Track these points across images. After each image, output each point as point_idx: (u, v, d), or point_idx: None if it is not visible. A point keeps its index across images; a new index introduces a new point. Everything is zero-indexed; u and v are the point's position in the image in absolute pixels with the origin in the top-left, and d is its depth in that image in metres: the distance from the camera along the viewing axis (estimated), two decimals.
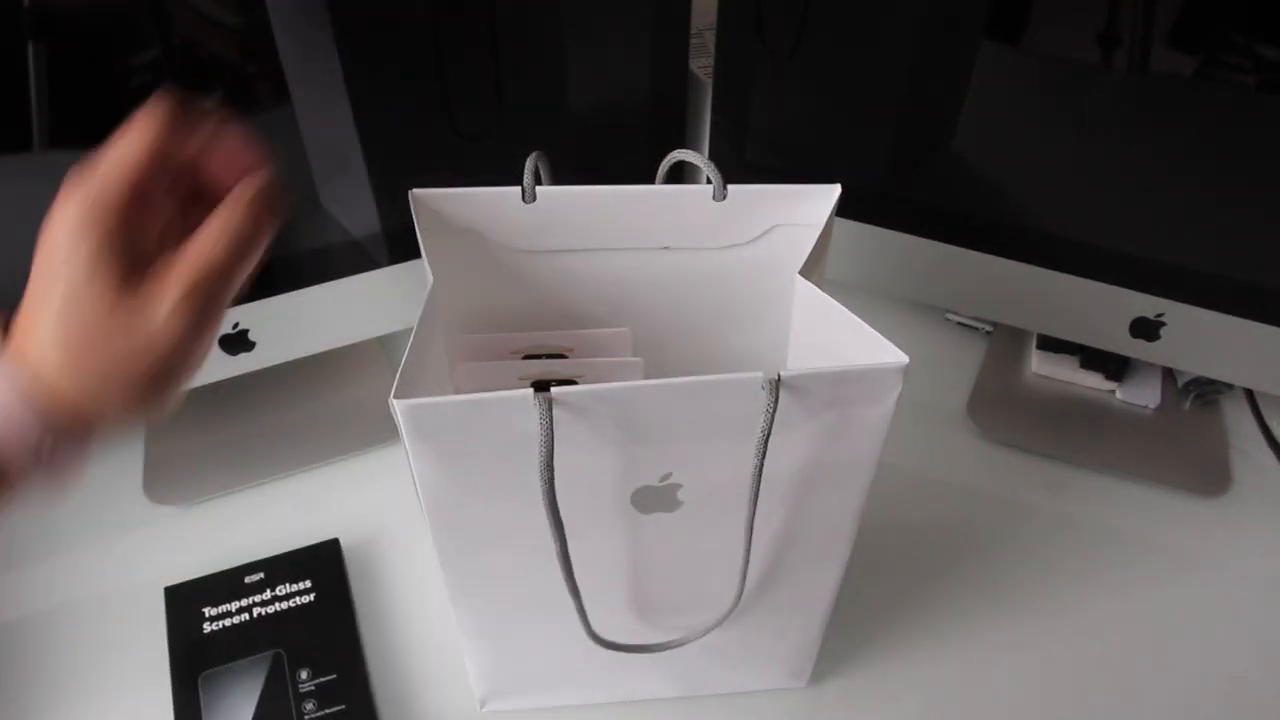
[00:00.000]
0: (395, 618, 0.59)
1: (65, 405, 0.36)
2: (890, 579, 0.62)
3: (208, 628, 0.57)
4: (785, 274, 0.52)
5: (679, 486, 0.42)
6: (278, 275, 0.60)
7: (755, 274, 0.52)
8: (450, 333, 0.51)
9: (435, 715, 0.55)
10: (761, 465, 0.40)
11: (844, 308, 0.42)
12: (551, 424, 0.37)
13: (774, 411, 0.38)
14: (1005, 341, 0.79)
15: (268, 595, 0.59)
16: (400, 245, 0.63)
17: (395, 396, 0.36)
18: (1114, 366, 0.74)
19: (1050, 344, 0.76)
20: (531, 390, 0.36)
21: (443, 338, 0.48)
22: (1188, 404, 0.73)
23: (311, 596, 0.59)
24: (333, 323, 0.64)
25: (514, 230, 0.49)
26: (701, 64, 0.78)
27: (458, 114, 0.60)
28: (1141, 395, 0.73)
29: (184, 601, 0.58)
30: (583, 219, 0.49)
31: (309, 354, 0.65)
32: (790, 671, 0.55)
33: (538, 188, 0.47)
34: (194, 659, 0.55)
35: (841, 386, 0.39)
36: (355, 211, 0.61)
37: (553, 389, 0.36)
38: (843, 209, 0.69)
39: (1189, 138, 0.56)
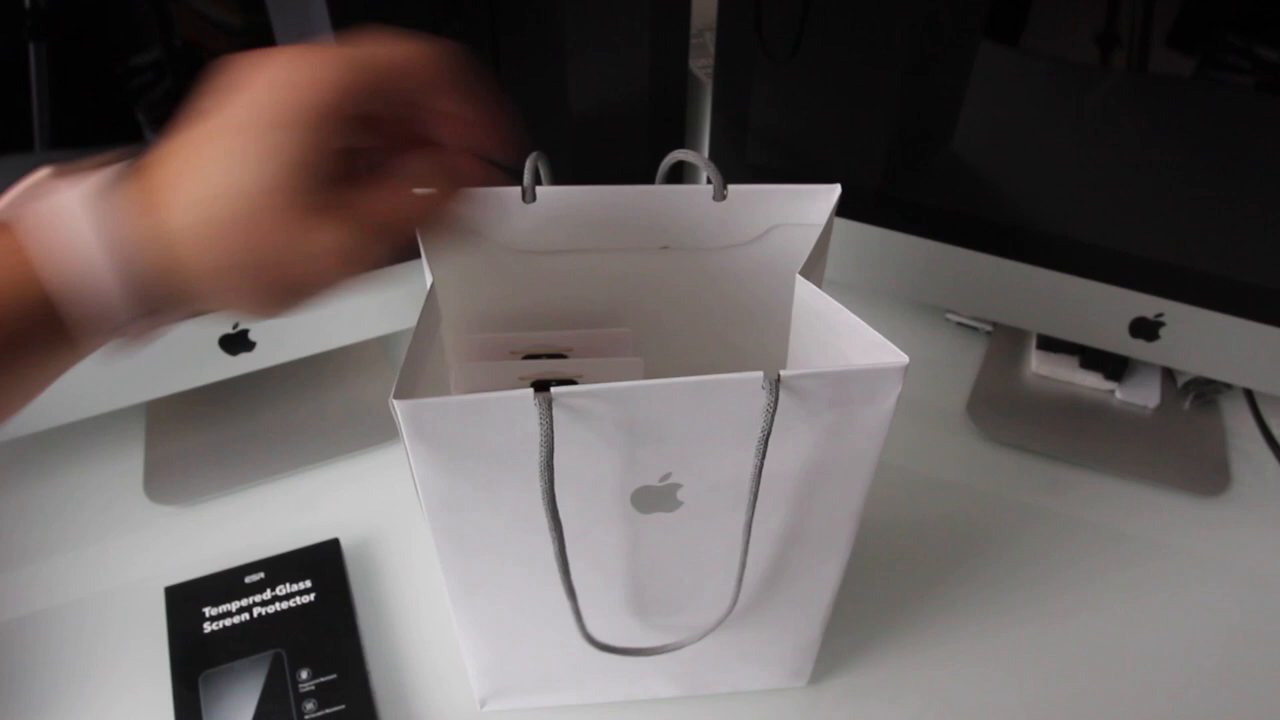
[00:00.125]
0: (395, 618, 0.59)
1: (172, 280, 0.32)
2: (890, 579, 0.62)
3: (208, 627, 0.57)
4: (785, 274, 0.52)
5: (679, 486, 0.42)
6: None
7: (755, 274, 0.52)
8: (450, 333, 0.51)
9: (435, 715, 0.55)
10: (761, 465, 0.40)
11: (844, 308, 0.42)
12: (551, 424, 0.37)
13: (774, 411, 0.38)
14: (1005, 341, 0.79)
15: (268, 595, 0.59)
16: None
17: (395, 396, 0.36)
18: (1113, 366, 0.74)
19: (1050, 344, 0.76)
20: (532, 390, 0.36)
21: (443, 338, 0.48)
22: (1187, 404, 0.73)
23: (311, 596, 0.59)
24: (333, 323, 0.64)
25: (514, 230, 0.49)
26: (701, 64, 0.78)
27: None
28: (1141, 395, 0.73)
29: (184, 601, 0.58)
30: (583, 219, 0.49)
31: (309, 354, 0.65)
32: (790, 671, 0.55)
33: (538, 188, 0.47)
34: (194, 659, 0.55)
35: (842, 386, 0.39)
36: None
37: (553, 389, 0.36)
38: (843, 209, 0.70)
39: (1188, 138, 0.56)
